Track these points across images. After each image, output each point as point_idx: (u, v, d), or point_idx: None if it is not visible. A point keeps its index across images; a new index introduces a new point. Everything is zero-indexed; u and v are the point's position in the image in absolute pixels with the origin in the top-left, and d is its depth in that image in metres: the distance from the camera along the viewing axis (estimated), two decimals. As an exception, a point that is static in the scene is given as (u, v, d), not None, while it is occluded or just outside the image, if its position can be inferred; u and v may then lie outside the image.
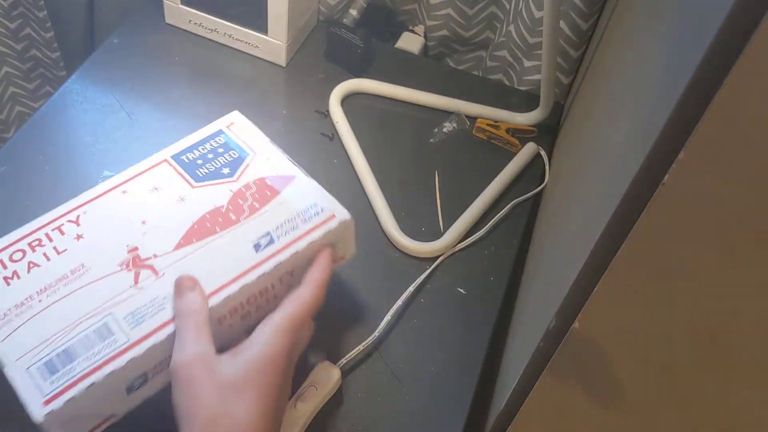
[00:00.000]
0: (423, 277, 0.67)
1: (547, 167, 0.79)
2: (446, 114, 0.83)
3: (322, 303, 0.52)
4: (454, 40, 0.93)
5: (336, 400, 0.59)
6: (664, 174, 0.29)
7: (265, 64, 0.85)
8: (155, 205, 0.58)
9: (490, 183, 0.76)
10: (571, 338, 0.37)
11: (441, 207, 0.74)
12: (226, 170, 0.61)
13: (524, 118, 0.82)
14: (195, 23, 0.85)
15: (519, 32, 0.84)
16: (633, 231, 0.31)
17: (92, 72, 0.80)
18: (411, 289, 0.65)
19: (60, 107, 0.76)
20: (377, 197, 0.72)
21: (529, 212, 0.76)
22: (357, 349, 0.60)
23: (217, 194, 0.59)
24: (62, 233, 0.56)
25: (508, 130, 0.80)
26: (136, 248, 0.55)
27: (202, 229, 0.56)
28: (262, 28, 0.82)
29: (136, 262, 0.55)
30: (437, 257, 0.69)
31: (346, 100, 0.83)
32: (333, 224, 0.57)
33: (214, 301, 0.52)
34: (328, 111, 0.81)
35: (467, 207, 0.73)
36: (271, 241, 0.56)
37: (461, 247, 0.71)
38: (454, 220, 0.72)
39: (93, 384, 0.48)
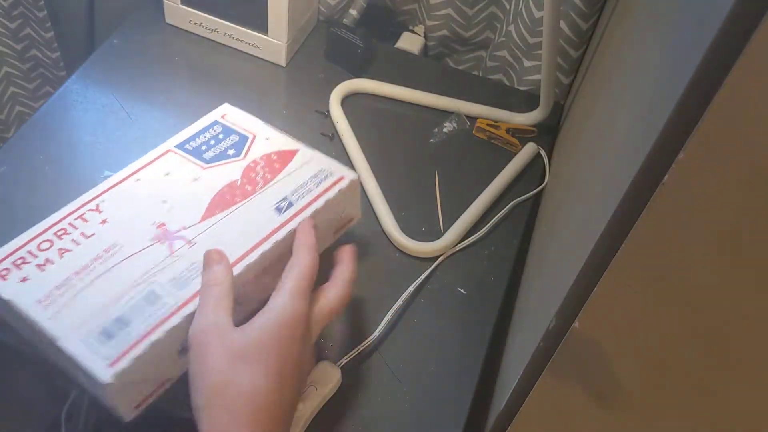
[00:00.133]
0: (423, 277, 0.67)
1: (547, 167, 0.79)
2: (446, 114, 0.83)
3: (318, 267, 0.53)
4: (454, 40, 0.93)
5: (336, 400, 0.59)
6: (664, 174, 0.29)
7: (265, 64, 0.85)
8: (172, 186, 0.61)
9: (490, 183, 0.76)
10: (571, 338, 0.37)
11: (441, 207, 0.74)
12: (231, 151, 0.64)
13: (524, 118, 0.82)
14: (195, 23, 0.85)
15: (519, 32, 0.84)
16: (633, 231, 0.31)
17: (92, 72, 0.80)
18: (411, 289, 0.65)
19: (60, 107, 0.76)
20: (377, 197, 0.72)
21: (529, 212, 0.76)
22: (357, 349, 0.60)
23: (228, 171, 0.63)
24: (85, 221, 0.58)
25: (508, 130, 0.80)
26: (163, 224, 0.58)
27: (222, 201, 0.60)
28: (262, 28, 0.82)
29: (167, 235, 0.57)
30: (437, 257, 0.69)
31: (346, 100, 0.83)
32: (344, 184, 0.62)
33: (249, 260, 0.55)
34: (328, 111, 0.81)
35: (467, 207, 0.73)
36: (291, 204, 0.60)
37: (461, 247, 0.71)
38: (454, 220, 0.72)
39: (155, 342, 0.50)
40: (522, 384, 0.45)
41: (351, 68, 0.85)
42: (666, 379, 0.35)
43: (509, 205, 0.74)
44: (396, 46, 0.92)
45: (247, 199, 0.60)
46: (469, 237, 0.71)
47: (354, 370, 0.61)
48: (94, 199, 0.60)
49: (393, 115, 0.82)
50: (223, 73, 0.83)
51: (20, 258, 0.55)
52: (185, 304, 0.52)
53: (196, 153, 0.64)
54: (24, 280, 0.54)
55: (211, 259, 0.52)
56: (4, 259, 0.55)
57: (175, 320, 0.51)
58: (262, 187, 0.61)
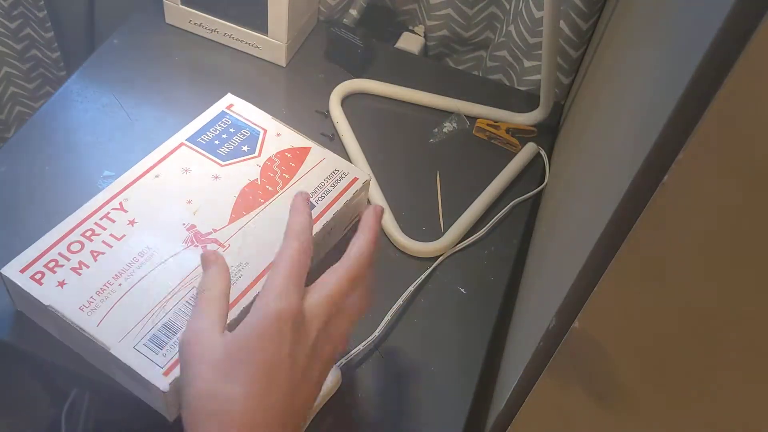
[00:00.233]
0: (423, 277, 0.67)
1: (547, 167, 0.79)
2: (446, 114, 0.83)
3: (310, 252, 0.47)
4: (454, 40, 0.93)
5: (336, 400, 0.59)
6: (664, 174, 0.28)
7: (265, 64, 0.85)
8: (193, 184, 0.62)
9: (490, 183, 0.76)
10: (571, 338, 0.37)
11: (441, 207, 0.74)
12: (245, 148, 0.66)
13: (524, 118, 0.82)
14: (195, 23, 0.85)
15: (519, 32, 0.84)
16: (633, 231, 0.31)
17: (92, 72, 0.80)
18: (411, 289, 0.65)
19: (60, 107, 0.76)
20: (377, 197, 0.72)
21: (529, 212, 0.76)
22: (357, 349, 0.60)
23: (246, 170, 0.64)
24: (113, 221, 0.59)
25: (508, 130, 0.80)
26: (193, 226, 0.59)
27: (246, 202, 0.61)
28: (262, 28, 0.82)
29: (199, 238, 0.58)
30: (437, 257, 0.69)
31: (346, 100, 0.83)
32: (359, 185, 0.65)
33: None
34: (328, 111, 0.81)
35: (467, 207, 0.73)
36: (312, 206, 0.61)
37: (461, 247, 0.71)
38: (454, 220, 0.72)
39: None
40: (522, 384, 0.45)
41: (351, 68, 0.85)
42: (666, 379, 0.35)
43: (509, 205, 0.74)
44: (396, 46, 0.92)
45: (270, 200, 0.62)
46: (469, 237, 0.71)
47: (354, 370, 0.61)
48: (115, 196, 0.60)
49: (393, 115, 0.82)
50: (223, 73, 0.83)
51: (52, 260, 0.55)
52: (228, 308, 0.51)
53: (210, 148, 0.65)
54: (61, 284, 0.54)
55: (207, 260, 0.49)
56: (35, 261, 0.55)
57: None
58: (282, 188, 0.63)
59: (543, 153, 0.80)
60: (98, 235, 0.57)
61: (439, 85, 0.85)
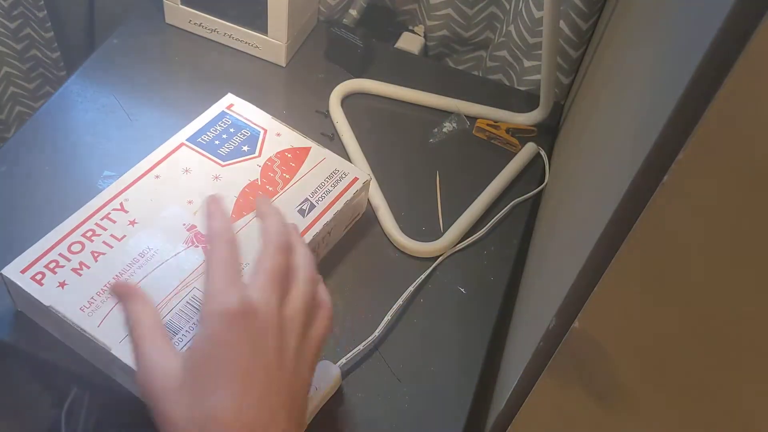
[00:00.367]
0: (423, 277, 0.67)
1: (547, 167, 0.79)
2: (446, 114, 0.83)
3: (237, 246, 0.45)
4: (454, 40, 0.93)
5: (336, 400, 0.59)
6: (664, 174, 0.28)
7: (265, 64, 0.85)
8: (194, 184, 0.62)
9: (490, 183, 0.76)
10: (571, 338, 0.37)
11: (441, 207, 0.74)
12: (245, 148, 0.66)
13: (524, 118, 0.82)
14: (195, 23, 0.85)
15: (519, 32, 0.84)
16: (633, 231, 0.31)
17: (92, 72, 0.80)
18: (411, 289, 0.65)
19: (60, 107, 0.76)
20: (377, 197, 0.72)
21: (529, 212, 0.76)
22: (357, 349, 0.60)
23: (247, 170, 0.64)
24: (113, 221, 0.59)
25: (508, 130, 0.80)
26: (194, 226, 0.59)
27: (247, 202, 0.61)
28: (262, 28, 0.82)
29: (200, 239, 0.58)
30: (437, 257, 0.69)
31: (346, 100, 0.83)
32: (359, 185, 0.65)
33: None
34: (328, 111, 0.81)
35: (467, 207, 0.73)
36: (313, 206, 0.62)
37: (461, 247, 0.71)
38: (454, 220, 0.72)
39: None
40: (522, 384, 0.45)
41: (351, 68, 0.85)
42: (666, 379, 0.35)
43: (509, 205, 0.74)
44: (396, 46, 0.92)
45: (271, 201, 0.61)
46: (469, 237, 0.71)
47: (354, 370, 0.61)
48: (116, 197, 0.60)
49: (393, 115, 0.82)
50: (223, 73, 0.83)
51: (53, 261, 0.55)
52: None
53: (211, 148, 0.65)
54: (62, 285, 0.54)
55: (122, 295, 0.45)
56: (36, 262, 0.55)
57: None
58: (282, 188, 0.63)
59: (543, 153, 0.80)
60: (99, 235, 0.57)
61: (439, 85, 0.85)
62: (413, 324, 0.65)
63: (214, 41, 0.86)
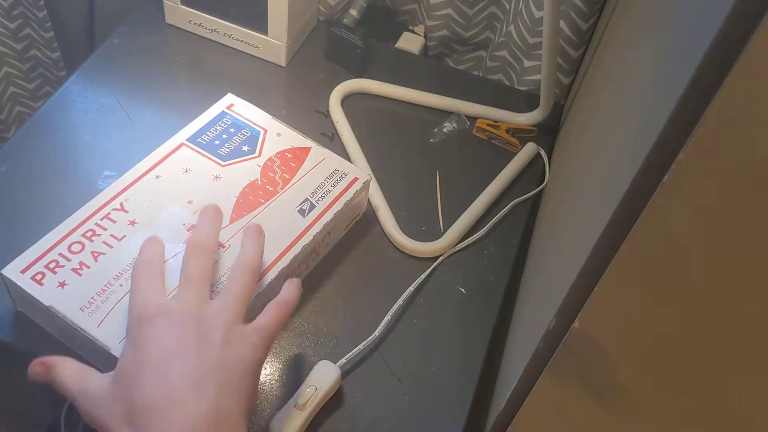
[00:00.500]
0: (423, 277, 0.67)
1: (547, 167, 0.79)
2: (446, 114, 0.83)
3: (161, 253, 0.52)
4: (454, 40, 0.93)
5: (336, 400, 0.59)
6: (664, 174, 0.28)
7: (265, 64, 0.85)
8: (193, 184, 0.62)
9: (490, 183, 0.76)
10: (571, 338, 0.37)
11: (441, 207, 0.74)
12: (245, 148, 0.66)
13: (524, 118, 0.82)
14: (195, 23, 0.85)
15: (519, 32, 0.84)
16: (633, 231, 0.31)
17: (92, 72, 0.80)
18: (411, 289, 0.65)
19: (60, 107, 0.76)
20: (377, 197, 0.72)
21: (529, 212, 0.76)
22: (357, 349, 0.60)
23: (247, 170, 0.64)
24: (113, 221, 0.59)
25: (508, 130, 0.80)
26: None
27: (247, 202, 0.61)
28: (262, 28, 0.82)
29: None
30: (437, 257, 0.69)
31: (346, 100, 0.83)
32: (359, 185, 0.65)
33: (282, 265, 0.58)
34: (328, 111, 0.81)
35: (467, 207, 0.73)
36: (313, 206, 0.62)
37: (461, 247, 0.71)
38: (454, 220, 0.72)
39: None
40: (522, 384, 0.45)
41: (351, 68, 0.85)
42: (666, 379, 0.35)
43: (509, 205, 0.74)
44: (396, 46, 0.92)
45: (270, 201, 0.62)
46: (469, 237, 0.71)
47: (354, 370, 0.61)
48: (116, 197, 0.60)
49: (393, 115, 0.82)
50: (223, 73, 0.83)
51: (53, 261, 0.55)
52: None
53: (211, 148, 0.65)
54: (62, 285, 0.54)
55: (48, 365, 0.47)
56: (36, 262, 0.55)
57: None
58: (282, 188, 0.63)
59: (543, 153, 0.80)
60: (99, 235, 0.57)
61: (439, 85, 0.85)
62: (413, 324, 0.65)
63: (214, 41, 0.86)
